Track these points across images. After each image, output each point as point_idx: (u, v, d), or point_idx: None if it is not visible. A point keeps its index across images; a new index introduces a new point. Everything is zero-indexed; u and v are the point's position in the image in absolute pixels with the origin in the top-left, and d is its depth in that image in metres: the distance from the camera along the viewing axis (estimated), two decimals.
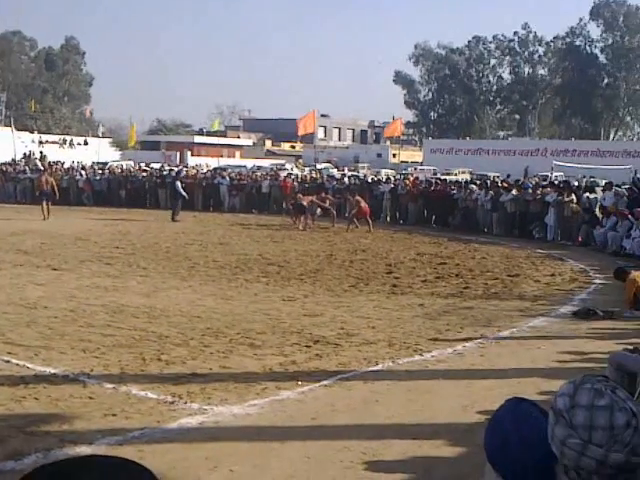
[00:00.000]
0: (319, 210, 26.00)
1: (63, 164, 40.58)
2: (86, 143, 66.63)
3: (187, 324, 10.01)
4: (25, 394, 6.88)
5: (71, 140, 66.86)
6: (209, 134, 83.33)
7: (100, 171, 36.91)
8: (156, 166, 40.46)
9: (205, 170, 40.13)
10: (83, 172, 36.04)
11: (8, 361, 7.93)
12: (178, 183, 27.64)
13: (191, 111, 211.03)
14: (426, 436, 6.14)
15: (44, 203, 25.99)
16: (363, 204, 24.58)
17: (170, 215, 26.67)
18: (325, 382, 7.55)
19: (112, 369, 7.75)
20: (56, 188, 27.29)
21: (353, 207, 24.88)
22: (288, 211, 27.62)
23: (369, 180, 33.25)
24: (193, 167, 43.61)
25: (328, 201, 26.10)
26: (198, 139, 79.81)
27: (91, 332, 9.34)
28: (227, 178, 33.14)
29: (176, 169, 35.00)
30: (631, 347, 7.04)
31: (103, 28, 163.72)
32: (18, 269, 14.66)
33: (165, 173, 34.85)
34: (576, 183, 27.72)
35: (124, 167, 40.52)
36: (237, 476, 5.33)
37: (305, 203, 24.77)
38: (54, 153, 55.70)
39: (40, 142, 61.38)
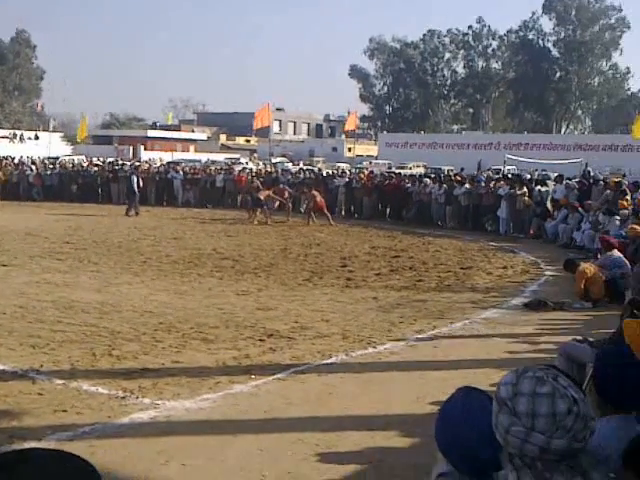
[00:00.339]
0: (276, 204, 25.97)
1: (13, 159, 39.81)
2: (37, 137, 65.64)
3: (139, 319, 9.91)
4: None
5: (21, 134, 65.78)
6: (163, 128, 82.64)
7: (51, 166, 36.32)
8: (109, 160, 39.98)
9: (158, 164, 39.73)
10: (33, 167, 35.43)
11: None
12: (134, 178, 27.38)
13: (144, 105, 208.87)
14: (379, 427, 6.17)
15: None
16: (319, 198, 24.62)
17: (125, 210, 26.39)
18: (279, 375, 7.54)
19: (62, 365, 7.64)
20: None
21: (309, 201, 24.87)
22: (244, 205, 27.51)
23: (324, 174, 33.25)
24: (146, 161, 43.19)
25: (286, 193, 26.08)
26: (151, 133, 79.14)
27: (41, 328, 9.19)
28: (181, 172, 32.86)
29: (134, 164, 34.74)
30: (580, 338, 7.14)
31: (54, 21, 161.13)
32: None
33: (117, 167, 34.48)
34: (528, 176, 28.08)
35: (75, 161, 39.91)
36: (189, 470, 5.29)
37: (262, 197, 24.72)
38: (4, 148, 54.71)
39: None
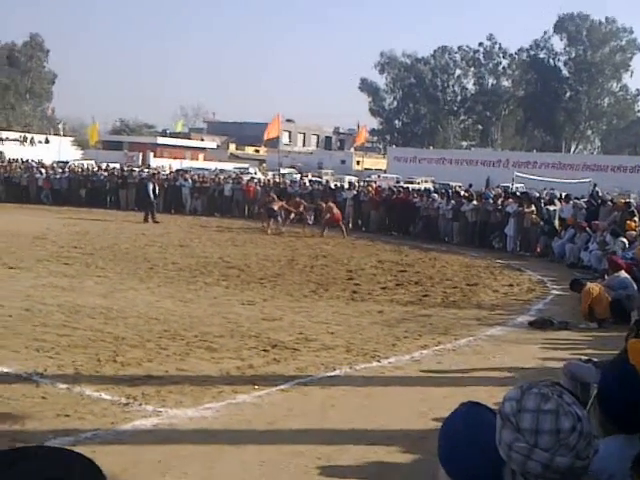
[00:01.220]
0: (292, 216, 26.06)
1: (24, 162, 39.97)
2: (47, 141, 65.81)
3: (144, 326, 9.93)
4: None
5: (32, 138, 65.96)
6: (172, 135, 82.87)
7: (60, 170, 36.47)
8: (115, 166, 40.11)
9: (167, 172, 39.84)
10: (43, 170, 35.58)
11: None
12: (150, 185, 27.51)
13: (155, 112, 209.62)
14: (381, 442, 6.16)
15: None
16: (336, 210, 24.90)
17: (143, 217, 26.57)
18: (282, 387, 7.54)
19: (66, 369, 7.65)
20: None
21: (325, 213, 24.98)
22: (258, 214, 27.60)
23: (332, 186, 33.29)
24: (155, 168, 43.29)
25: (302, 207, 26.16)
26: (161, 140, 79.32)
27: (46, 332, 9.22)
28: (189, 180, 32.94)
29: (151, 171, 35.04)
30: (585, 357, 7.12)
31: (68, 26, 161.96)
32: None
33: (127, 174, 34.64)
34: (537, 194, 28.07)
35: (85, 166, 40.04)
36: (190, 479, 5.29)
37: (276, 207, 24.87)
38: (14, 150, 54.89)
39: (0, 139, 60.45)
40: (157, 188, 28.23)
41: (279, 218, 25.03)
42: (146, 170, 37.83)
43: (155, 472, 5.36)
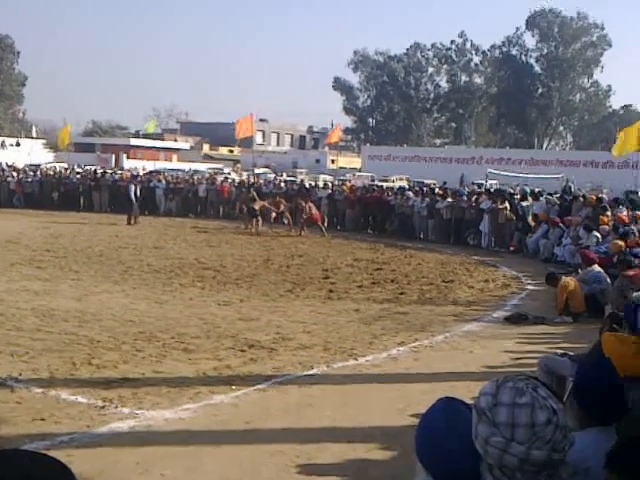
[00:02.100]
0: (273, 215, 26.12)
1: None
2: (18, 144, 65.17)
3: (119, 328, 9.86)
4: None
5: (3, 141, 65.28)
6: (145, 137, 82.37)
7: (32, 173, 36.12)
8: (93, 168, 39.88)
9: (141, 173, 39.61)
10: (14, 174, 35.22)
11: None
12: (132, 187, 27.42)
13: (128, 114, 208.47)
14: (360, 439, 6.17)
15: None
16: (314, 210, 24.98)
17: (127, 219, 26.50)
18: (260, 386, 7.52)
19: (41, 373, 7.58)
20: None
21: (305, 213, 25.02)
22: (240, 215, 27.60)
23: (307, 185, 33.29)
24: (128, 170, 43.02)
25: (282, 206, 26.18)
26: (134, 142, 78.85)
27: (20, 336, 9.12)
28: (163, 182, 32.79)
29: (133, 173, 35.11)
30: (560, 351, 7.18)
31: (38, 27, 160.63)
32: None
33: (108, 176, 34.57)
34: (511, 191, 28.24)
35: (57, 169, 39.68)
36: None
37: (257, 207, 24.91)
38: None
39: None
40: (139, 190, 28.08)
41: (259, 218, 25.06)
42: (127, 173, 37.67)
43: (133, 473, 5.33)
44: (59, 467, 1.26)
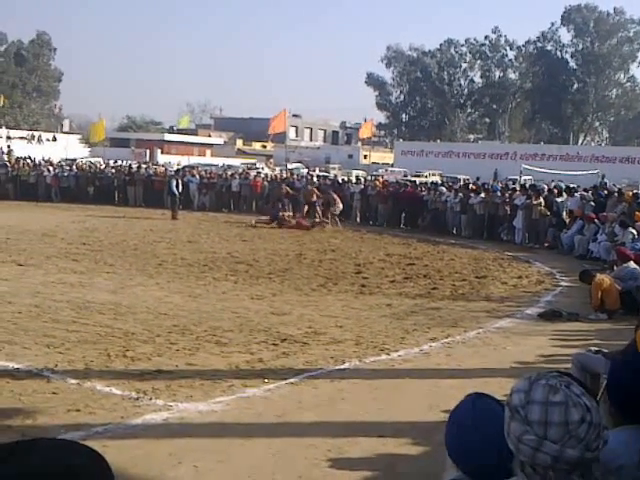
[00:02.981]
0: (305, 209, 26.59)
1: (32, 160, 40.04)
2: (55, 139, 65.89)
3: (153, 321, 9.96)
4: None
5: (39, 136, 66.05)
6: (180, 132, 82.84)
7: (68, 167, 36.55)
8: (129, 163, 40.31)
9: (174, 168, 39.89)
10: (51, 168, 35.65)
11: None
12: (173, 181, 27.59)
13: (162, 109, 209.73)
14: (391, 434, 6.17)
15: None
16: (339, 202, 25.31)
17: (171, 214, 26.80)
18: (292, 380, 7.55)
19: (77, 365, 7.69)
20: None
21: (332, 204, 25.22)
22: (265, 208, 27.94)
23: (339, 181, 33.28)
24: (162, 165, 43.32)
25: (314, 196, 26.52)
26: (168, 137, 79.29)
27: (56, 328, 9.25)
28: (197, 176, 32.97)
29: (177, 168, 35.56)
30: (594, 348, 7.11)
31: (74, 23, 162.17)
32: None
33: (142, 171, 34.87)
34: (545, 187, 27.98)
35: (92, 163, 40.09)
36: (201, 472, 5.31)
37: (313, 199, 25.44)
38: (22, 149, 54.98)
39: (8, 137, 60.54)
40: (180, 185, 28.22)
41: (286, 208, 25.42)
42: (162, 168, 38.13)
43: (166, 464, 5.38)
44: (97, 457, 1.27)
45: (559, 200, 22.97)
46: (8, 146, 54.19)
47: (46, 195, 33.53)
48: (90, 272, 14.07)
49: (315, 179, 33.16)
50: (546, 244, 21.83)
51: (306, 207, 26.40)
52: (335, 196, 25.67)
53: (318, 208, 26.03)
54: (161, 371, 7.60)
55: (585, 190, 24.47)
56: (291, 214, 25.94)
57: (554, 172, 40.32)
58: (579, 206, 21.64)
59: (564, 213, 22.07)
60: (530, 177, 40.46)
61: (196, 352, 8.45)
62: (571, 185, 26.98)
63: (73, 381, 7.15)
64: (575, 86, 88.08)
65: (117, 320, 9.90)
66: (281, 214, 25.43)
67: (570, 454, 1.78)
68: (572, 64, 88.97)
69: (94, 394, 6.81)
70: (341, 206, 25.62)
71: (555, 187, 26.21)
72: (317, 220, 25.35)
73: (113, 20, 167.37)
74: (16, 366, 7.54)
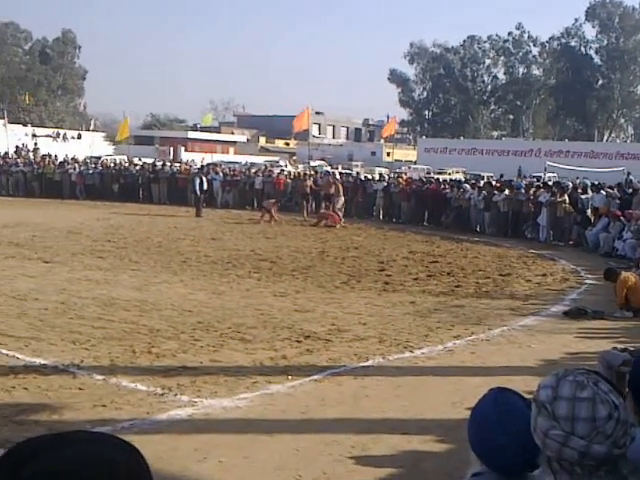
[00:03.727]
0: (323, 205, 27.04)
1: (57, 157, 40.38)
2: (79, 137, 66.32)
3: (178, 318, 10.02)
4: (15, 384, 6.89)
5: (64, 134, 66.52)
6: (203, 130, 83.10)
7: (93, 165, 36.84)
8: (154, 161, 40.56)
9: (199, 165, 40.05)
10: (76, 166, 35.95)
11: None
12: (197, 179, 27.72)
13: (185, 107, 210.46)
14: (415, 431, 6.17)
15: None
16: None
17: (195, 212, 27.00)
18: (315, 377, 7.57)
19: (102, 361, 7.76)
20: None
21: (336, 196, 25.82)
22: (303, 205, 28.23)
23: (362, 178, 33.25)
24: (186, 162, 43.50)
25: (334, 187, 27.03)
26: (192, 135, 79.55)
27: (81, 324, 9.34)
28: (220, 174, 33.07)
29: (202, 165, 36.19)
30: (620, 346, 7.06)
31: (98, 21, 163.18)
32: (9, 261, 14.66)
33: (167, 168, 35.13)
34: (569, 184, 27.81)
35: (117, 161, 40.36)
36: (226, 467, 5.34)
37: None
38: (47, 146, 55.43)
39: (33, 135, 61.01)
40: (206, 183, 28.33)
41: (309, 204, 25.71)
42: (186, 165, 38.45)
43: (191, 460, 5.42)
44: (136, 453, 1.24)
45: (584, 197, 22.80)
46: (35, 144, 54.64)
47: (71, 193, 33.85)
48: (115, 269, 14.18)
49: (338, 176, 33.20)
50: (571, 242, 21.67)
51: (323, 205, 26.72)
52: (340, 186, 26.01)
53: (336, 201, 26.31)
54: (186, 367, 7.65)
55: (610, 187, 24.26)
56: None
57: (579, 169, 40.00)
58: (604, 203, 21.47)
59: (589, 210, 21.90)
60: (554, 174, 40.22)
61: (220, 349, 8.49)
62: (596, 182, 26.78)
63: (99, 377, 7.22)
64: (600, 82, 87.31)
65: (142, 317, 9.98)
66: (325, 211, 25.70)
67: (597, 450, 1.77)
68: (597, 60, 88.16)
69: (120, 390, 6.87)
70: (343, 200, 25.85)
71: (580, 184, 26.04)
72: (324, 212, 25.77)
73: (137, 19, 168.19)
74: (43, 362, 7.63)
